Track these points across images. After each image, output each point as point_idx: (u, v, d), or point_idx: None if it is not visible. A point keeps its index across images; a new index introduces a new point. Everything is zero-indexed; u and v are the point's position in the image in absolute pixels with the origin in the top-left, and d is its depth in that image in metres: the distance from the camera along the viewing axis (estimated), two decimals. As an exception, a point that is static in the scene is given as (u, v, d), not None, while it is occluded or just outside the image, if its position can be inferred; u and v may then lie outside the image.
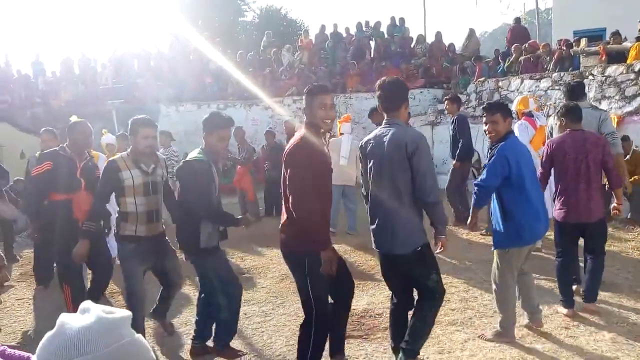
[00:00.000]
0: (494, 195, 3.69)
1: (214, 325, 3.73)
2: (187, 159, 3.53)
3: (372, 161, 3.12)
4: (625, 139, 7.50)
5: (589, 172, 4.02)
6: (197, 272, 3.66)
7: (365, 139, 3.26)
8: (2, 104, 13.56)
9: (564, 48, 11.17)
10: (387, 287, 4.98)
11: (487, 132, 3.75)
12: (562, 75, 9.76)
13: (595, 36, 13.63)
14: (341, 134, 7.42)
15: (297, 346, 3.14)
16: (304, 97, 3.14)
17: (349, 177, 7.12)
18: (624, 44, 10.26)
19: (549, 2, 21.01)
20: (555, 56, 11.03)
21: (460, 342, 3.75)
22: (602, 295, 4.46)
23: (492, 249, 3.78)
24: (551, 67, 10.93)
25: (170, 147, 8.28)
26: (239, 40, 23.95)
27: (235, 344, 4.01)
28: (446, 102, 7.69)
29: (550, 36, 18.56)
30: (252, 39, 22.79)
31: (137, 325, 3.49)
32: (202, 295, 3.73)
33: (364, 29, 16.25)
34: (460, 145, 7.11)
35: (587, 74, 9.16)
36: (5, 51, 31.04)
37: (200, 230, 3.44)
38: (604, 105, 8.52)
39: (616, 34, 10.52)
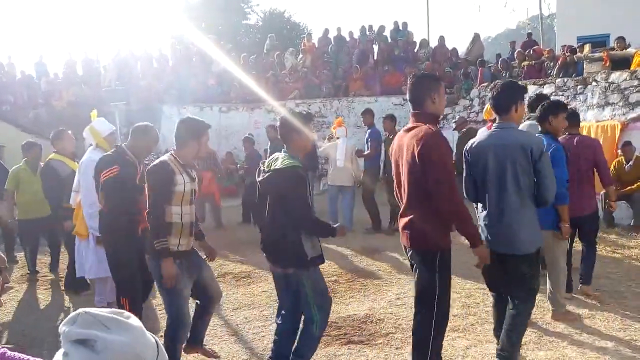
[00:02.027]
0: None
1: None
2: (286, 165, 3.05)
3: (487, 162, 3.14)
4: (628, 144, 7.50)
5: (581, 172, 4.41)
6: (294, 286, 3.20)
7: (473, 142, 3.28)
8: (4, 104, 13.58)
9: (568, 54, 11.15)
10: (388, 292, 4.96)
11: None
12: (565, 81, 9.73)
13: (599, 42, 13.60)
14: (337, 137, 7.89)
15: (412, 345, 3.06)
16: (430, 86, 2.91)
17: (346, 178, 7.79)
18: (627, 50, 10.24)
19: (553, 7, 21.02)
20: (559, 62, 11.02)
21: (462, 349, 3.72)
22: (606, 304, 4.44)
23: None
24: (555, 72, 10.91)
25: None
26: (242, 43, 23.99)
27: (236, 348, 3.99)
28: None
29: (553, 42, 18.55)
30: (255, 42, 22.83)
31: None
32: (284, 311, 3.33)
33: (367, 33, 16.27)
34: None
35: (590, 80, 9.13)
36: (9, 52, 31.13)
37: (302, 241, 3.07)
38: (607, 112, 8.49)
39: (621, 39, 10.49)
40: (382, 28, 16.22)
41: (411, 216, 2.91)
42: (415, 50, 15.47)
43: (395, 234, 5.07)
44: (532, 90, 10.52)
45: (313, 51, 15.66)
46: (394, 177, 3.14)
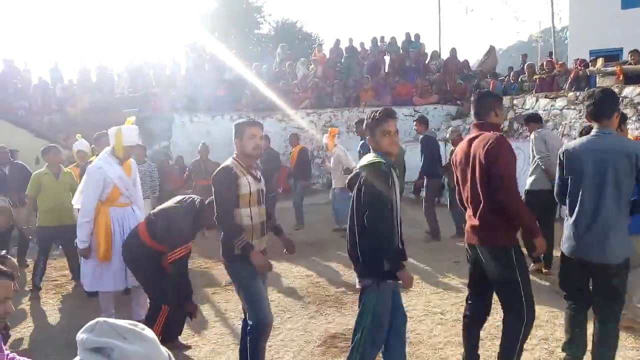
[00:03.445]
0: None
1: None
2: (370, 162, 2.96)
3: (584, 167, 3.18)
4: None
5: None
6: (362, 302, 3.01)
7: (570, 145, 3.33)
8: (20, 109, 13.77)
9: (580, 67, 11.10)
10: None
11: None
12: (577, 95, 9.68)
13: (611, 56, 13.53)
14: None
15: (501, 345, 3.15)
16: (494, 101, 3.29)
17: (340, 181, 8.14)
18: (641, 64, 10.16)
19: (565, 20, 20.96)
20: (571, 76, 10.97)
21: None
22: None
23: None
24: (567, 86, 10.86)
25: (146, 162, 7.64)
26: (255, 53, 24.16)
27: (229, 357, 3.98)
28: (415, 122, 8.28)
29: (565, 55, 18.48)
30: (267, 52, 22.98)
31: None
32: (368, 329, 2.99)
33: (379, 44, 16.33)
34: (422, 163, 7.76)
35: (597, 90, 9.07)
36: (25, 58, 31.58)
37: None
38: (620, 126, 8.42)
39: (635, 52, 10.42)
40: (393, 39, 16.27)
41: (481, 216, 3.10)
42: (427, 61, 15.49)
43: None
44: (543, 103, 10.48)
45: (324, 61, 15.74)
46: (457, 184, 3.35)
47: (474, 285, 3.39)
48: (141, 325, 1.30)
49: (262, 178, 3.40)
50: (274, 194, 8.36)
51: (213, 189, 3.25)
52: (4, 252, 2.62)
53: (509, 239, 3.08)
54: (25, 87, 14.90)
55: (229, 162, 3.29)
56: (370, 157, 3.00)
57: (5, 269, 2.22)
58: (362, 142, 8.07)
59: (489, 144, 3.02)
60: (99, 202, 4.46)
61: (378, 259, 2.88)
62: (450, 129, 8.65)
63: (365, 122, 3.09)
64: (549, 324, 4.31)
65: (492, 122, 3.24)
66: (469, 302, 3.43)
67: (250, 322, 3.23)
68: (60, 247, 6.78)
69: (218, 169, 3.29)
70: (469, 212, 3.25)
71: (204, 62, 15.78)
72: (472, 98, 3.43)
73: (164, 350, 1.29)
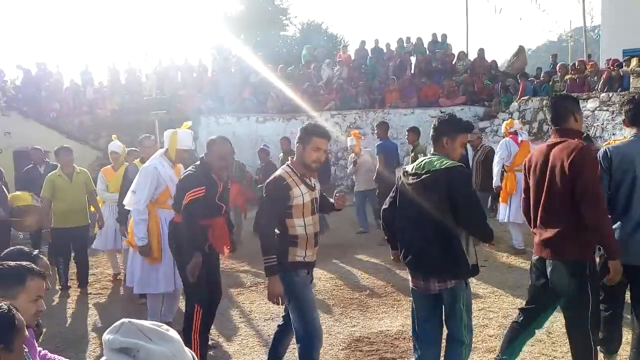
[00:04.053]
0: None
1: None
2: (453, 164, 2.91)
3: (630, 170, 3.14)
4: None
5: None
6: (448, 300, 2.96)
7: (615, 148, 3.27)
8: (51, 111, 14.13)
9: (613, 68, 10.80)
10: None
11: None
12: (610, 95, 9.43)
13: (646, 55, 13.12)
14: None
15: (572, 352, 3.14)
16: (573, 105, 3.16)
17: (365, 184, 8.41)
18: (678, 64, 9.84)
19: (597, 19, 20.46)
20: (604, 76, 10.68)
21: (498, 372, 3.60)
22: None
23: None
24: (599, 87, 10.59)
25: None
26: (280, 54, 24.26)
27: (254, 359, 3.99)
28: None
29: (597, 55, 18.03)
30: (292, 53, 23.06)
31: None
32: (425, 345, 3.03)
33: (405, 44, 16.21)
34: None
35: (637, 95, 8.83)
36: (57, 61, 32.40)
37: (465, 248, 2.90)
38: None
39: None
40: (419, 40, 16.13)
41: (558, 228, 2.97)
42: (453, 62, 15.32)
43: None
44: (574, 104, 10.23)
45: (349, 62, 15.69)
46: (524, 191, 3.26)
47: (533, 300, 3.28)
48: (165, 327, 1.31)
49: (316, 185, 3.26)
50: None
51: (264, 194, 3.17)
52: (36, 251, 2.67)
53: (587, 255, 2.97)
54: (57, 90, 15.29)
55: (281, 171, 3.18)
56: (444, 159, 2.91)
57: (38, 268, 2.26)
58: (380, 142, 8.19)
59: (573, 154, 2.90)
60: (150, 203, 4.48)
61: (465, 258, 2.88)
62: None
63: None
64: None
65: (573, 129, 3.11)
66: (524, 313, 3.31)
67: (298, 335, 3.14)
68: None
69: (271, 177, 3.19)
70: (540, 222, 3.09)
71: (230, 64, 15.93)
72: (550, 102, 3.29)
73: (188, 351, 1.30)
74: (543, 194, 3.05)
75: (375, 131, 8.59)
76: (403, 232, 3.06)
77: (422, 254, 2.93)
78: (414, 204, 2.95)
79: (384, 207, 3.26)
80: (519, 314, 3.33)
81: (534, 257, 3.19)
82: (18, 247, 2.72)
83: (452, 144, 3.00)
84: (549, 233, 3.01)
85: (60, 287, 6.09)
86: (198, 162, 3.92)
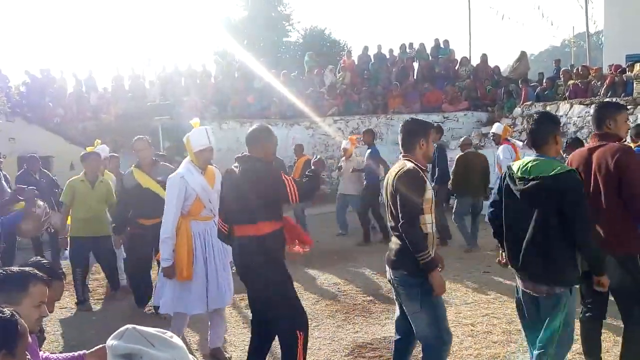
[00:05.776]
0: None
1: None
2: (565, 170, 2.81)
3: None
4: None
5: None
6: (549, 309, 2.86)
7: None
8: (55, 117, 14.18)
9: (616, 73, 10.80)
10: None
11: None
12: (613, 101, 9.41)
13: (649, 61, 13.09)
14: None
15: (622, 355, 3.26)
16: (610, 112, 3.35)
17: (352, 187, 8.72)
18: (681, 69, 9.84)
19: (600, 24, 20.42)
20: (607, 81, 10.68)
21: (503, 378, 3.59)
22: None
23: None
24: (602, 92, 10.58)
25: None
26: (283, 60, 24.36)
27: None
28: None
29: (600, 60, 18.01)
30: (295, 59, 23.15)
31: None
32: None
33: (407, 50, 16.25)
34: (437, 171, 8.15)
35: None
36: (61, 67, 32.59)
37: (576, 255, 2.85)
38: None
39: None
40: (422, 45, 16.17)
41: (608, 225, 3.15)
42: (456, 67, 15.34)
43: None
44: (577, 110, 10.23)
45: (352, 68, 15.74)
46: None
47: (588, 295, 3.37)
48: (169, 333, 1.31)
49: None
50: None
51: (401, 190, 2.91)
52: (39, 258, 2.66)
53: (638, 247, 3.18)
54: (61, 96, 15.35)
55: (410, 164, 2.97)
56: (554, 164, 2.83)
57: (41, 274, 2.26)
58: (369, 150, 8.43)
59: (617, 154, 3.11)
60: (180, 216, 3.97)
61: (575, 263, 2.85)
62: (461, 139, 8.66)
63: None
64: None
65: (610, 133, 3.30)
66: (587, 306, 3.41)
67: (428, 342, 2.99)
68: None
69: (406, 168, 2.95)
70: None
71: (233, 70, 15.98)
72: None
73: (192, 357, 1.30)
74: (589, 195, 3.19)
75: (362, 138, 8.74)
76: (510, 235, 2.99)
77: (527, 259, 2.87)
78: (522, 209, 2.87)
79: (490, 209, 3.14)
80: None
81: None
82: (37, 259, 2.64)
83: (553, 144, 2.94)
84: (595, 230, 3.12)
85: (76, 302, 5.66)
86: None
